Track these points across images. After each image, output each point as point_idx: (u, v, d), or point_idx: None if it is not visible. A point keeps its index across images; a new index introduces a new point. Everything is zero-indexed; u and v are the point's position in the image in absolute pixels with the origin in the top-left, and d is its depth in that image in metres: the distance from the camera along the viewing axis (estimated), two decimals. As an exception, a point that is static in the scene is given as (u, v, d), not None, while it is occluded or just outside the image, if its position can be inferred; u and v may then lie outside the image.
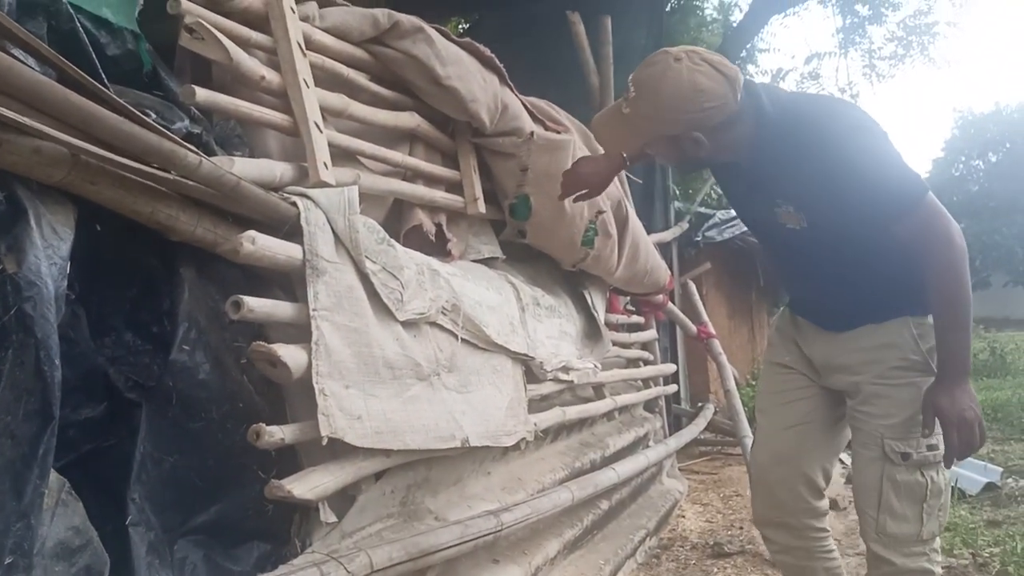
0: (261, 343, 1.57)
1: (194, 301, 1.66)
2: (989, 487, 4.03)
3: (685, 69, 1.70)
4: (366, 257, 1.84)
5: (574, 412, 3.05)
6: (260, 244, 1.58)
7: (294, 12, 1.95)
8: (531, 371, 2.72)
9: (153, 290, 1.65)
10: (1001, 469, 4.28)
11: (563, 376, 2.95)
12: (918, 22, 9.39)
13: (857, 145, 1.72)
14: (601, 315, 3.52)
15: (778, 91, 1.88)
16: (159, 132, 1.36)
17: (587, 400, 3.38)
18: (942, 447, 1.79)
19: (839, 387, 1.99)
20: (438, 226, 2.60)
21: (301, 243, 1.71)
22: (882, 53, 9.78)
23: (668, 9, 7.66)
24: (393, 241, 1.98)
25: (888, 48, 9.68)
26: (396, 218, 2.46)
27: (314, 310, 1.68)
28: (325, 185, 1.87)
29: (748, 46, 9.15)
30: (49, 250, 1.24)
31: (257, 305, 1.57)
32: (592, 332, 3.45)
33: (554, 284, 3.34)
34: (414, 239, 2.46)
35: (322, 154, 1.88)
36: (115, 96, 1.29)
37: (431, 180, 2.58)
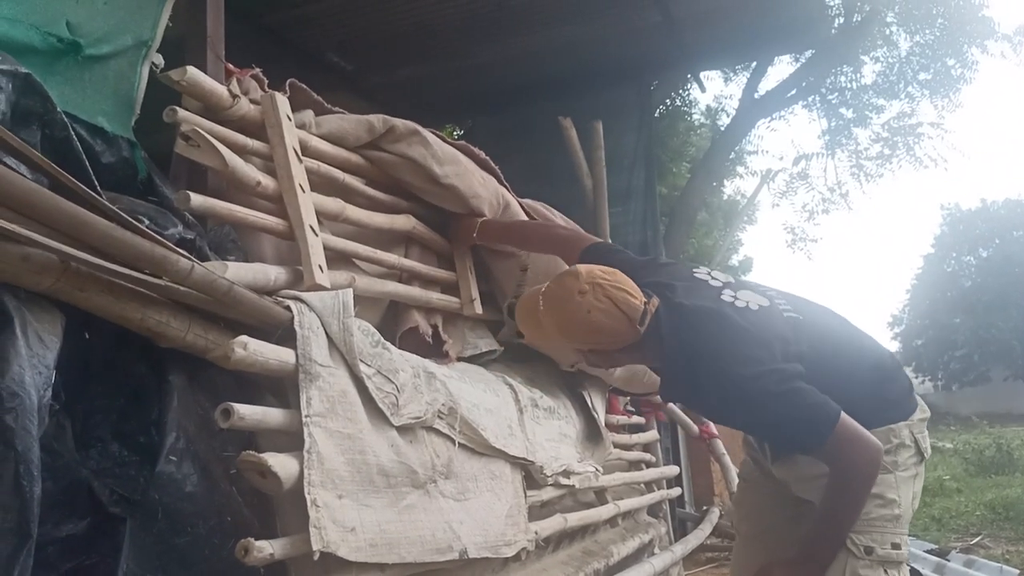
0: (251, 452, 1.52)
1: (183, 409, 1.61)
2: (1008, 591, 3.89)
3: (587, 304, 1.84)
4: (361, 361, 1.81)
5: (576, 519, 2.95)
6: (252, 349, 1.54)
7: (290, 120, 1.97)
8: (530, 476, 2.64)
9: (141, 398, 1.60)
10: (1018, 571, 4.14)
11: (564, 480, 2.86)
12: (902, 124, 9.65)
13: (754, 394, 1.79)
14: (601, 416, 3.45)
15: (681, 315, 1.92)
16: (151, 238, 1.34)
17: (589, 505, 3.27)
18: (906, 547, 1.91)
19: (806, 496, 2.04)
20: (434, 327, 2.58)
21: (294, 347, 1.68)
22: (868, 154, 10.03)
23: (657, 114, 7.89)
24: (388, 344, 1.95)
25: (874, 149, 9.94)
26: (392, 320, 2.43)
27: (307, 416, 1.63)
28: (320, 288, 1.85)
29: (736, 148, 9.38)
30: (34, 359, 1.20)
31: (248, 412, 1.53)
32: (592, 434, 3.37)
33: (552, 385, 3.29)
34: (410, 341, 2.42)
35: (317, 257, 1.87)
36: (107, 203, 1.28)
37: (427, 282, 2.57)
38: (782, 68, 8.73)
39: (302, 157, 1.98)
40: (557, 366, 3.27)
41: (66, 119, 1.32)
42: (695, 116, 9.20)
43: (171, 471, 1.53)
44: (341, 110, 2.31)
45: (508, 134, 7.47)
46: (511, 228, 2.75)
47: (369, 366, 1.84)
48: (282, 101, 1.96)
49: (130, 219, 1.31)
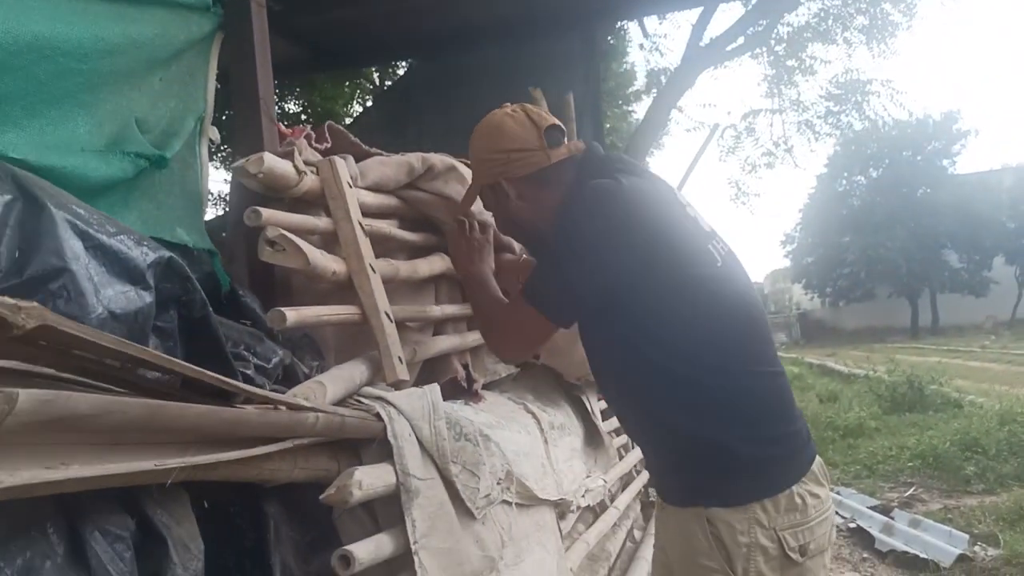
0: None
1: (279, 541, 1.48)
2: (962, 558, 4.14)
3: (501, 114, 1.77)
4: (452, 463, 1.69)
5: (593, 538, 2.95)
6: (366, 485, 1.42)
7: (351, 187, 1.78)
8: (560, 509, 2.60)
9: (236, 531, 1.46)
10: (967, 536, 4.41)
11: (583, 503, 2.84)
12: (850, 79, 9.73)
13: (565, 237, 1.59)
14: (599, 419, 3.43)
15: (601, 168, 1.67)
16: (283, 403, 1.19)
17: (592, 512, 3.27)
18: None
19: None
20: (465, 367, 2.46)
21: (392, 463, 1.55)
22: (817, 110, 10.10)
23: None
24: (467, 429, 1.83)
25: (822, 105, 10.00)
26: (429, 371, 2.30)
27: (415, 542, 1.52)
28: (402, 382, 1.71)
29: (686, 93, 9.25)
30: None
31: (364, 554, 1.41)
32: (593, 439, 3.35)
33: (553, 392, 3.23)
34: (447, 389, 2.31)
35: (396, 348, 1.72)
36: (237, 384, 1.11)
37: (457, 320, 2.44)
38: (729, 15, 8.55)
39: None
40: (558, 376, 3.22)
41: (204, 298, 1.13)
42: (630, 55, 9.07)
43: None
44: (379, 151, 2.11)
45: (447, 81, 7.16)
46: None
47: (456, 463, 1.73)
48: (342, 167, 1.76)
49: (260, 393, 1.15)
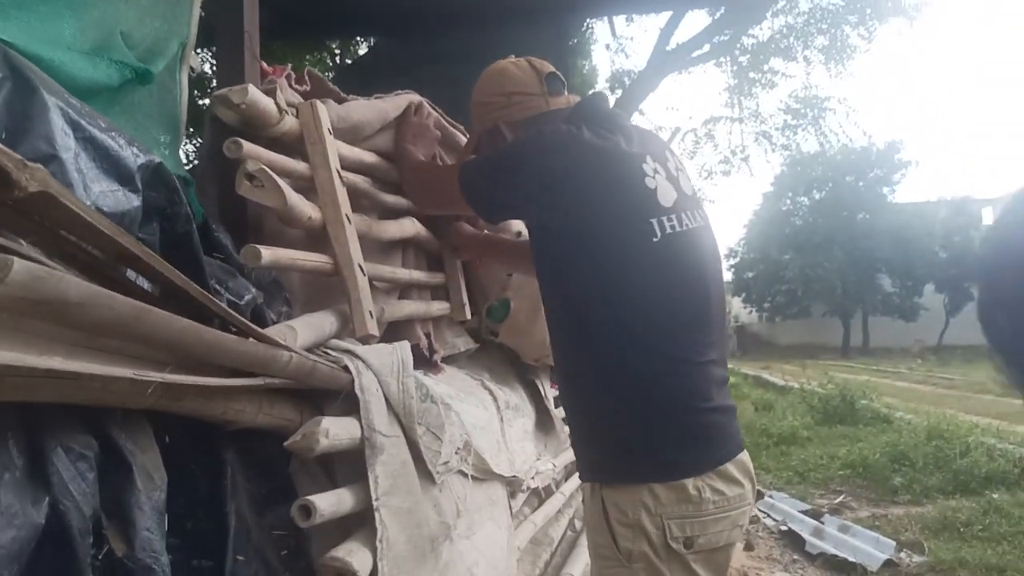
0: (336, 557, 1.35)
1: (235, 490, 1.42)
2: (888, 564, 4.24)
3: (505, 61, 1.84)
4: (417, 423, 1.65)
5: (540, 519, 2.93)
6: (332, 435, 1.37)
7: (331, 134, 1.73)
8: (511, 487, 2.58)
9: (189, 475, 1.40)
10: (894, 543, 4.52)
11: (532, 484, 2.82)
12: (810, 95, 9.93)
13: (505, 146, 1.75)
14: (552, 404, 3.41)
15: (581, 116, 1.68)
16: (258, 336, 1.14)
17: (538, 496, 3.26)
18: None
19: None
20: (427, 336, 2.42)
21: (358, 417, 1.50)
22: (775, 122, 10.28)
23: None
24: (433, 391, 1.80)
25: (780, 118, 10.18)
26: (391, 335, 2.25)
27: (376, 499, 1.48)
28: (371, 338, 1.66)
29: (651, 95, 9.32)
30: (152, 507, 0.99)
31: (326, 506, 1.37)
32: (544, 422, 3.34)
33: (507, 374, 3.20)
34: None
35: (367, 302, 1.67)
36: (218, 304, 1.06)
37: (422, 288, 2.40)
38: (697, 22, 8.65)
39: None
40: (513, 358, 3.19)
41: (190, 212, 1.07)
42: (593, 56, 9.09)
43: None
44: (355, 97, 2.06)
45: (412, 63, 7.05)
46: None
47: (421, 425, 1.69)
48: (323, 112, 1.71)
49: (239, 320, 1.10)
